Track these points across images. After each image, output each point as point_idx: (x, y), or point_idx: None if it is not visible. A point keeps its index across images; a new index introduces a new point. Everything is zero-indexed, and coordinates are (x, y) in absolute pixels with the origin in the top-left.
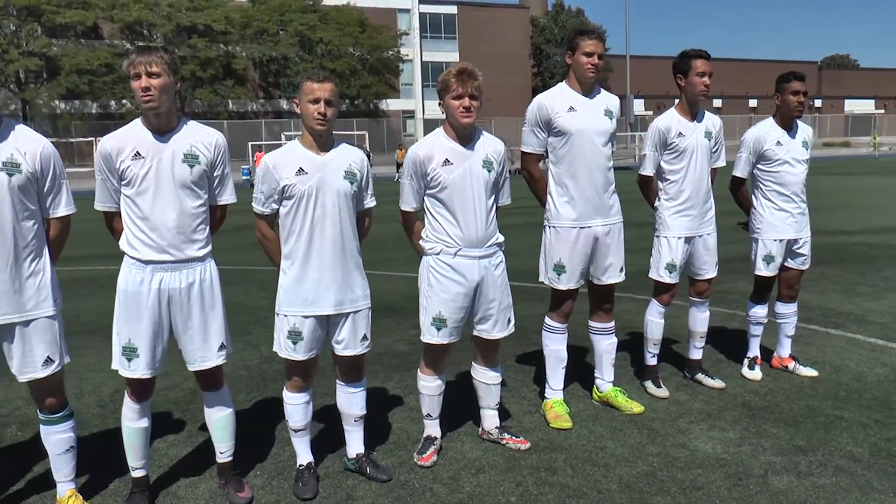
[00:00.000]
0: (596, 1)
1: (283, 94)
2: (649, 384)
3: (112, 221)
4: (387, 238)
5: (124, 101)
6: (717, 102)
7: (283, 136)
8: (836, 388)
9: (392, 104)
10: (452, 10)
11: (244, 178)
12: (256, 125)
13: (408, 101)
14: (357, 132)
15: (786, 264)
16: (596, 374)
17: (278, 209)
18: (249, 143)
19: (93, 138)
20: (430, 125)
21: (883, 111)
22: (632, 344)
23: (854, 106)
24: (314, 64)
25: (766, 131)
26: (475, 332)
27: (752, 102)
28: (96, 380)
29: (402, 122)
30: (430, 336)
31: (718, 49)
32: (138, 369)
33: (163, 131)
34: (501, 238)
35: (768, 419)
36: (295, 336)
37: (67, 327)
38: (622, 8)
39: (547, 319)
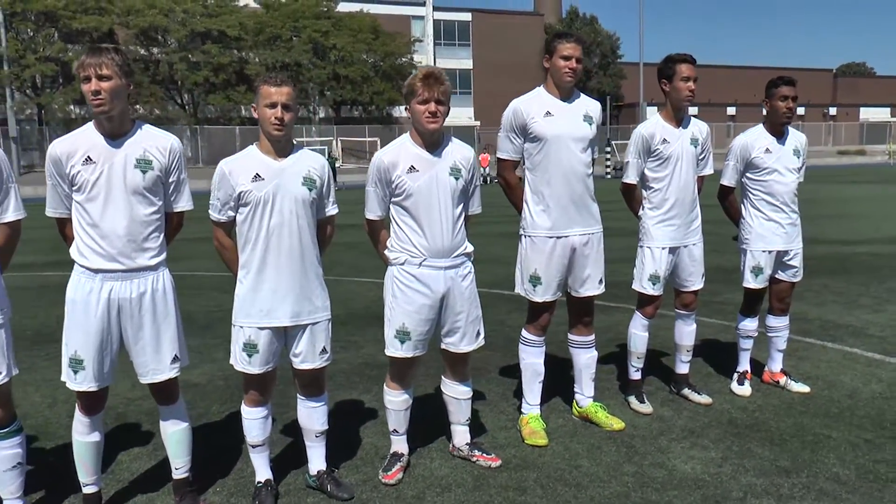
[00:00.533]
0: (610, 8)
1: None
2: (632, 399)
3: (65, 228)
4: None
5: (137, 105)
6: (731, 110)
7: (293, 143)
8: (828, 405)
9: (405, 111)
10: (467, 17)
11: None
12: None
13: None
14: (369, 139)
15: (776, 276)
16: (576, 389)
17: (235, 216)
18: None
19: None
20: None
21: None
22: (621, 356)
23: (869, 114)
24: (327, 70)
25: (753, 138)
26: (443, 346)
27: (766, 111)
28: (70, 389)
29: None
30: (393, 349)
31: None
32: (84, 382)
33: (115, 135)
34: (470, 248)
35: (753, 438)
36: (250, 348)
37: (43, 334)
38: (636, 15)
39: (523, 332)
